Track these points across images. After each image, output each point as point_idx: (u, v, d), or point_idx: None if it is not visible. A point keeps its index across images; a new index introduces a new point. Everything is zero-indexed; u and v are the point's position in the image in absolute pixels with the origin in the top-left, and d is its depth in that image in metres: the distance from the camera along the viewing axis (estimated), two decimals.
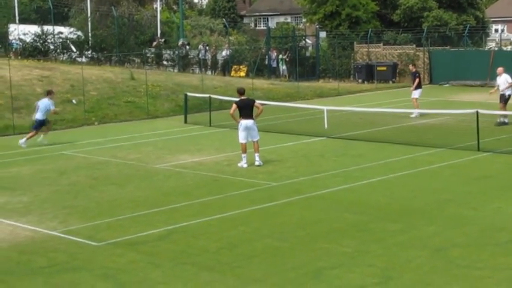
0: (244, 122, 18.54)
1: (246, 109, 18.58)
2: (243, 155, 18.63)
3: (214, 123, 26.50)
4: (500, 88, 25.02)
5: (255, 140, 18.61)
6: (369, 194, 15.49)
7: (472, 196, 15.09)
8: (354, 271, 10.60)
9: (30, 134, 22.85)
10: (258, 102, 18.99)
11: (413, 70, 28.75)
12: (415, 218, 13.42)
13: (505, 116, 24.06)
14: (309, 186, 16.27)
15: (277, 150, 21.05)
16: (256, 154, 18.63)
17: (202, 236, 12.63)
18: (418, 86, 27.89)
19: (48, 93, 23.31)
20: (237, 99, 18.85)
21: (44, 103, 22.80)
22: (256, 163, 18.55)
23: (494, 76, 38.79)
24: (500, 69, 25.65)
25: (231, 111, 18.72)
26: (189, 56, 44.45)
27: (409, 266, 10.77)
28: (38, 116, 22.67)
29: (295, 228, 13.00)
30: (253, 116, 18.74)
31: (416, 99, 27.75)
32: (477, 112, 20.42)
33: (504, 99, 24.75)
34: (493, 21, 68.33)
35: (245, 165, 18.53)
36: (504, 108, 24.52)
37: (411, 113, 27.04)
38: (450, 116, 26.25)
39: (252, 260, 11.25)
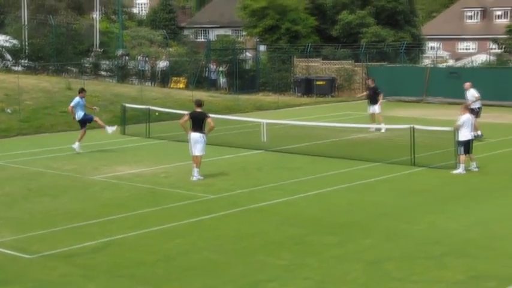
0: (191, 135, 18.41)
1: (195, 122, 18.38)
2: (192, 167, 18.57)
3: (153, 135, 26.31)
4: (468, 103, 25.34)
5: (196, 154, 18.42)
6: (306, 207, 15.57)
7: (407, 210, 15.32)
8: (291, 284, 10.62)
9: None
10: (211, 118, 18.59)
11: (373, 85, 28.50)
12: (351, 232, 13.54)
13: (476, 129, 24.51)
14: (247, 199, 16.27)
15: (216, 163, 21.00)
16: (195, 169, 18.45)
17: (139, 248, 12.48)
18: (377, 101, 27.88)
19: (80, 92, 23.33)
20: (191, 111, 18.76)
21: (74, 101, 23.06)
22: (193, 178, 18.35)
23: (430, 92, 39.76)
24: (467, 84, 25.93)
25: (181, 120, 18.68)
26: (128, 67, 44.10)
27: (345, 279, 10.84)
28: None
29: (233, 241, 12.97)
30: (204, 131, 18.43)
31: (380, 114, 27.81)
32: (412, 128, 20.78)
33: (474, 114, 24.93)
34: (429, 38, 69.76)
35: (194, 178, 18.41)
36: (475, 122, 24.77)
37: (380, 129, 26.87)
38: (386, 131, 26.63)
39: (189, 273, 11.16)
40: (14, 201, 16.20)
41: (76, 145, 22.78)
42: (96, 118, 23.45)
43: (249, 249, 12.47)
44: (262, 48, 48.91)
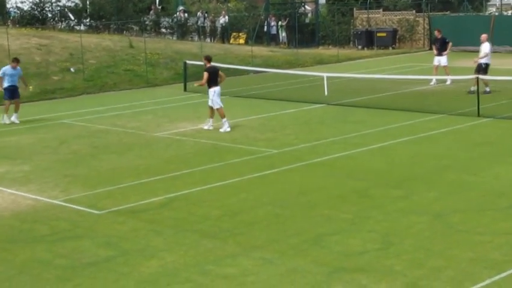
0: (216, 89, 19.00)
1: (214, 76, 19.07)
2: (225, 120, 19.00)
3: None
4: (479, 56, 23.85)
5: (220, 106, 19.09)
6: (369, 161, 15.51)
7: (473, 162, 15.11)
8: (355, 237, 10.65)
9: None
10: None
11: (440, 36, 27.30)
12: (416, 184, 13.45)
13: (486, 84, 23.42)
14: (310, 153, 16.28)
15: (277, 117, 21.04)
16: (224, 120, 19.00)
17: (203, 203, 12.66)
18: (444, 52, 26.74)
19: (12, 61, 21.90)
20: (208, 67, 19.18)
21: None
22: (228, 129, 18.91)
23: (495, 41, 38.73)
24: (483, 36, 24.36)
25: (204, 81, 19.07)
26: (188, 24, 44.20)
27: (409, 232, 10.81)
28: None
29: (296, 195, 13.03)
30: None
31: (447, 66, 26.69)
32: (477, 78, 20.38)
33: (482, 69, 23.39)
34: None
35: (229, 129, 18.87)
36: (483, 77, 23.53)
37: (446, 80, 26.21)
38: (452, 82, 26.17)
39: (253, 227, 11.29)
40: (81, 158, 16.58)
41: (14, 117, 21.48)
42: (15, 101, 21.44)
43: (312, 203, 12.51)
44: (321, 1, 48.32)
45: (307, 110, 22.28)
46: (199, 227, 11.39)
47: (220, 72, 19.38)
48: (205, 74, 19.01)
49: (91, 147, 17.76)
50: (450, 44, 27.24)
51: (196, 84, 19.87)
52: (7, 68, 21.67)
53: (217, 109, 19.14)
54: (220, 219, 11.75)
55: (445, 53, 26.80)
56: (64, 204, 12.86)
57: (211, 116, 19.33)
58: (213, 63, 19.47)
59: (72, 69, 29.76)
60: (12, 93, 21.48)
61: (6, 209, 12.69)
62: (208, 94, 19.31)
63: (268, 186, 13.72)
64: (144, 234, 11.11)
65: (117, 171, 15.18)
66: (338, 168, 14.91)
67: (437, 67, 26.94)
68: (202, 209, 12.34)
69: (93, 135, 19.27)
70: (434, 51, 27.31)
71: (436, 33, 28.01)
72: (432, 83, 26.44)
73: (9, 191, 13.88)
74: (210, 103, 19.23)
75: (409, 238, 10.53)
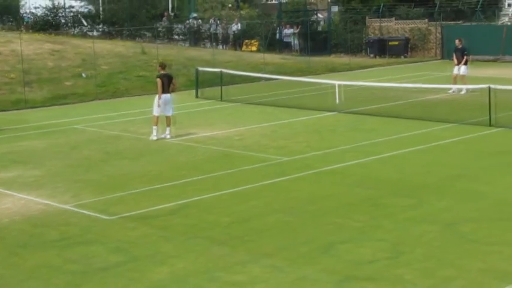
0: (165, 96, 19.20)
1: (167, 83, 19.24)
2: (154, 127, 19.17)
3: (226, 98, 26.47)
4: None
5: (170, 114, 19.35)
6: (380, 169, 15.48)
7: (484, 171, 15.05)
8: (365, 246, 10.62)
9: None
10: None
11: (460, 45, 27.65)
12: (427, 193, 13.41)
13: None
14: (320, 161, 16.26)
15: (289, 125, 21.04)
16: (168, 128, 19.28)
17: (214, 210, 12.67)
18: (464, 62, 27.12)
19: None
20: (160, 74, 19.32)
21: None
22: (168, 136, 19.19)
23: (507, 51, 38.63)
24: None
25: (160, 88, 19.10)
26: (201, 31, 44.31)
27: (420, 241, 10.77)
28: None
29: (306, 202, 13.02)
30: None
31: (464, 76, 27.04)
32: (489, 87, 20.32)
33: None
34: None
35: (154, 138, 19.06)
36: None
37: (461, 90, 26.51)
38: (467, 92, 26.14)
39: (263, 234, 11.28)
40: (93, 164, 16.63)
41: None
42: None
43: (322, 211, 12.50)
44: (334, 9, 48.34)
45: (318, 118, 22.27)
46: (210, 233, 11.40)
47: (173, 80, 19.58)
48: (159, 81, 19.16)
49: (103, 153, 17.82)
50: (465, 58, 27.38)
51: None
52: None
53: (154, 115, 19.31)
54: (230, 226, 11.75)
55: (464, 63, 26.99)
56: (75, 209, 12.90)
57: (167, 125, 19.42)
58: (166, 72, 19.55)
59: (83, 75, 29.87)
60: None
61: (17, 213, 12.74)
62: (154, 101, 19.38)
63: (279, 193, 13.71)
64: (154, 240, 11.12)
65: (129, 177, 15.21)
66: (349, 177, 14.89)
67: (456, 76, 27.10)
68: (213, 215, 12.34)
69: (104, 141, 19.33)
70: (455, 61, 27.50)
71: (456, 42, 28.15)
72: (451, 91, 26.56)
73: (20, 195, 13.94)
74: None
75: (420, 247, 10.49)
